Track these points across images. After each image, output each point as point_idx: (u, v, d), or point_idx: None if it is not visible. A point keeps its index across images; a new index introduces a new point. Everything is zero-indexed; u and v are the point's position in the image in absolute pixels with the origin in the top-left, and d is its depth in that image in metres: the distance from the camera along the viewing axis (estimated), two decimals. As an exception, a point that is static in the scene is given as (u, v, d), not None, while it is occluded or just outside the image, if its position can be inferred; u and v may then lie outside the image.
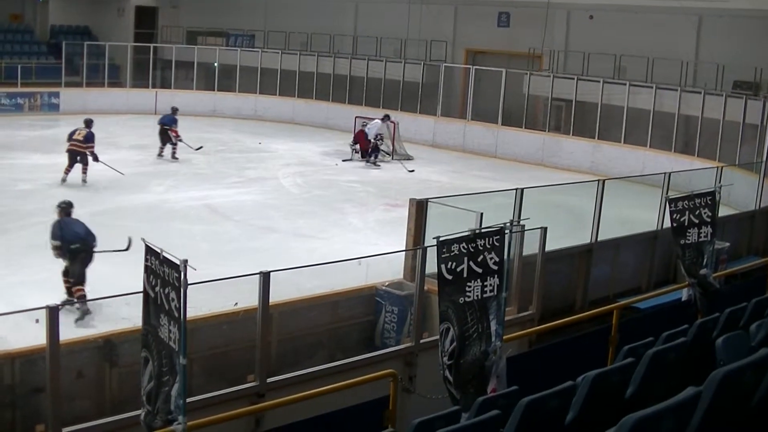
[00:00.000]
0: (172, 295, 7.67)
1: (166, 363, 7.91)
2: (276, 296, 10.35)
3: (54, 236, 14.72)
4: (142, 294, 8.19)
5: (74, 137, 25.16)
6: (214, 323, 11.94)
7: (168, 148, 30.02)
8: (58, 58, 42.30)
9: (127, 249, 14.90)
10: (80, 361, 11.02)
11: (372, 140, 30.74)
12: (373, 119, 32.14)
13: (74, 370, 10.74)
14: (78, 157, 25.08)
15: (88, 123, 25.70)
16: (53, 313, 8.74)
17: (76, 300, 14.40)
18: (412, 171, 29.25)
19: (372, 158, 30.65)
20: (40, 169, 27.13)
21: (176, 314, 7.65)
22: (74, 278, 14.69)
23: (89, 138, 25.17)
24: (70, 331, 9.22)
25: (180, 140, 30.01)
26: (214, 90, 42.40)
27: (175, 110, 30.95)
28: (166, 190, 25.04)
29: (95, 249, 14.89)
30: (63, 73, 41.30)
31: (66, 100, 40.28)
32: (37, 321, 9.20)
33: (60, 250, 14.70)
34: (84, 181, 25.20)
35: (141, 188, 24.99)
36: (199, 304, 8.44)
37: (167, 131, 29.99)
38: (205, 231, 20.26)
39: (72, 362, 10.43)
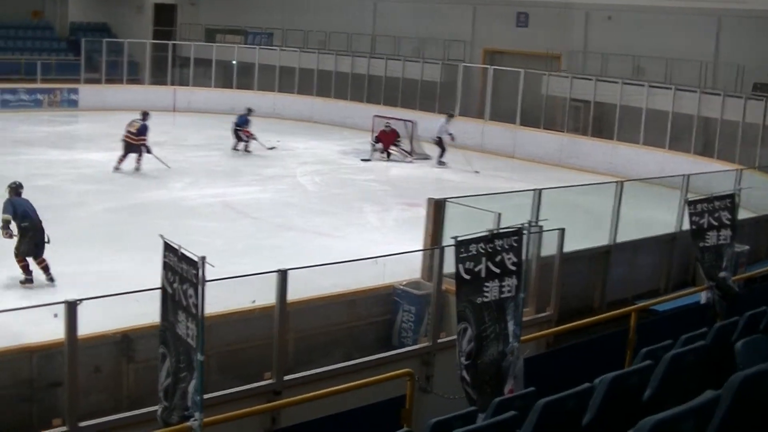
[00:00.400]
0: (190, 291, 7.69)
1: (184, 359, 7.93)
2: (293, 294, 10.35)
3: (6, 210, 15.75)
4: (160, 290, 8.21)
5: (129, 129, 26.19)
6: (231, 320, 11.97)
7: (241, 144, 31.30)
8: (78, 55, 42.41)
9: (45, 242, 15.97)
10: (98, 356, 11.07)
11: (440, 138, 30.82)
12: (392, 118, 32.19)
13: (92, 364, 10.79)
14: (131, 148, 26.13)
15: (144, 115, 26.83)
16: (72, 307, 8.78)
17: (31, 277, 15.75)
18: (478, 172, 29.17)
19: (440, 158, 30.78)
20: (58, 164, 27.27)
21: (194, 311, 7.67)
22: (20, 253, 15.68)
23: (142, 131, 26.25)
24: (88, 326, 9.22)
25: (254, 139, 31.17)
26: (232, 88, 42.41)
27: (249, 111, 31.88)
28: (185, 187, 25.09)
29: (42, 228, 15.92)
30: (82, 70, 41.44)
31: (85, 96, 40.41)
32: (55, 315, 9.23)
33: (8, 229, 15.67)
34: (137, 169, 26.31)
35: (160, 185, 25.07)
36: (216, 300, 8.44)
37: (239, 131, 31.21)
38: (222, 228, 20.28)
39: (89, 357, 10.47)
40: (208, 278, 7.58)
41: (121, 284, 10.36)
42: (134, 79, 43.44)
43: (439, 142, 30.91)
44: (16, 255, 15.74)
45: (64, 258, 17.05)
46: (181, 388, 7.97)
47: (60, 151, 29.67)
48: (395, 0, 41.30)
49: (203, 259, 7.47)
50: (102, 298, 9.13)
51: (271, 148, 31.46)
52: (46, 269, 15.87)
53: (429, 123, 33.65)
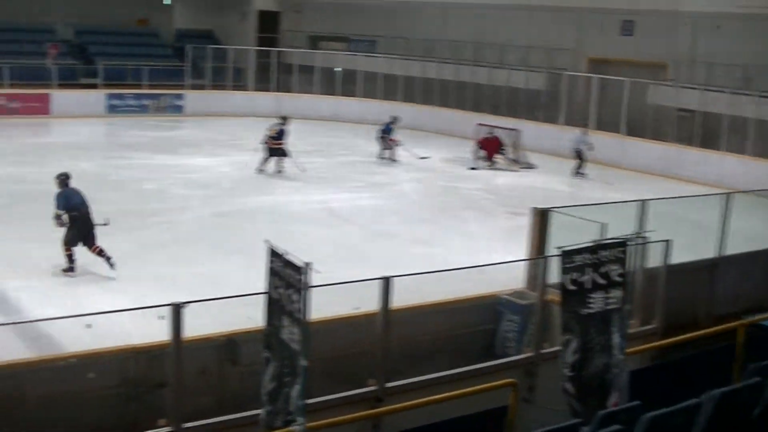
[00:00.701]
0: (294, 296, 7.74)
1: (287, 364, 7.98)
2: (396, 301, 10.36)
3: (59, 206, 16.34)
4: (264, 295, 8.28)
5: (268, 133, 27.44)
6: (334, 326, 12.03)
7: (387, 152, 31.53)
8: (183, 61, 43.13)
9: (105, 224, 16.73)
10: (202, 359, 11.21)
11: (579, 150, 30.52)
12: (496, 126, 32.09)
13: (197, 366, 10.92)
14: (272, 151, 27.34)
15: (283, 120, 27.97)
16: (177, 310, 8.90)
17: (74, 266, 16.41)
18: (612, 184, 28.88)
19: (579, 169, 30.49)
20: (165, 169, 27.77)
21: (298, 316, 7.71)
22: (66, 243, 16.35)
23: (280, 135, 27.44)
24: (193, 328, 9.34)
25: (398, 146, 31.44)
26: (335, 94, 42.68)
27: (394, 119, 32.07)
28: (288, 192, 25.30)
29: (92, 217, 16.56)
30: (187, 76, 42.15)
31: (190, 102, 41.14)
32: (161, 317, 9.36)
33: (60, 219, 16.28)
34: (279, 171, 27.49)
35: (264, 190, 25.34)
36: (320, 306, 8.48)
37: (383, 138, 31.51)
38: (325, 234, 20.35)
39: (195, 359, 10.59)
40: (312, 284, 7.63)
41: (225, 288, 10.49)
42: (239, 85, 43.99)
43: (579, 154, 30.56)
44: (64, 244, 16.38)
45: (170, 261, 17.38)
46: (285, 393, 8.03)
47: (166, 156, 30.20)
48: (500, 8, 41.10)
49: (308, 264, 7.53)
50: (207, 302, 9.25)
51: (423, 158, 31.52)
52: (100, 253, 16.47)
53: (532, 132, 33.50)
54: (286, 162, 27.53)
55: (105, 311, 10.80)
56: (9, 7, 42.41)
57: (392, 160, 31.33)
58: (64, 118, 37.54)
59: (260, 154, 27.59)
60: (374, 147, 31.90)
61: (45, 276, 16.31)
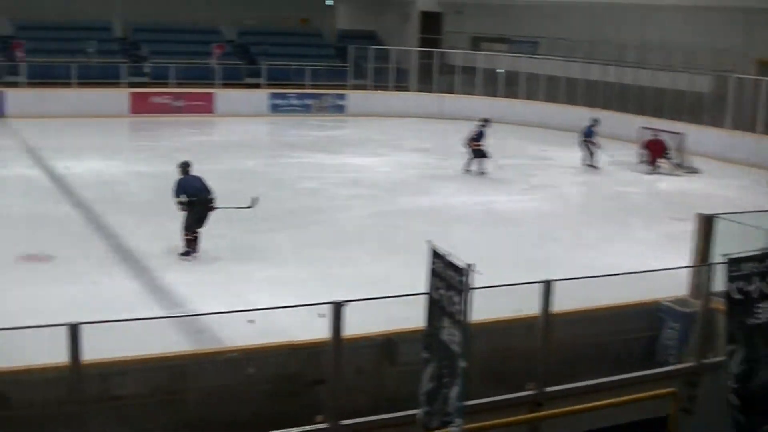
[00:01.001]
0: (455, 298, 7.74)
1: (446, 365, 8.00)
2: (556, 305, 10.27)
3: (177, 192, 17.04)
4: (425, 295, 8.31)
5: (470, 135, 28.10)
6: (494, 328, 11.97)
7: (587, 156, 31.03)
8: (345, 62, 43.64)
9: (249, 207, 17.64)
10: (361, 357, 11.29)
11: None
12: (660, 129, 31.47)
13: (355, 365, 11.01)
14: (473, 153, 27.96)
15: (484, 122, 28.61)
16: (338, 308, 9.00)
17: (191, 251, 17.11)
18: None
19: None
20: (326, 168, 28.14)
21: (459, 317, 7.71)
22: (186, 227, 17.01)
23: (477, 136, 28.07)
24: (352, 327, 9.43)
25: (598, 148, 30.96)
26: (497, 96, 42.51)
27: (594, 121, 31.74)
28: (449, 193, 25.34)
29: (213, 203, 17.15)
30: (349, 77, 42.67)
31: (352, 102, 41.66)
32: (322, 315, 9.47)
33: (181, 205, 16.96)
34: (482, 172, 27.94)
35: (424, 191, 25.41)
36: (480, 308, 8.47)
37: (586, 142, 31.15)
38: (486, 236, 20.29)
39: (353, 357, 10.67)
40: (473, 286, 7.61)
41: (385, 287, 10.56)
42: (401, 86, 44.21)
43: None
44: (184, 229, 17.05)
45: (331, 259, 17.57)
46: (443, 394, 8.05)
47: (327, 155, 30.60)
48: (664, 9, 40.32)
49: (470, 266, 7.52)
50: (367, 301, 9.33)
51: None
52: (195, 239, 17.13)
53: (697, 136, 32.74)
54: (487, 163, 27.93)
55: (267, 307, 11.01)
56: (176, 10, 43.64)
57: (593, 166, 30.61)
58: (228, 117, 38.50)
59: (465, 156, 28.14)
60: (534, 149, 31.63)
61: (205, 270, 16.74)
